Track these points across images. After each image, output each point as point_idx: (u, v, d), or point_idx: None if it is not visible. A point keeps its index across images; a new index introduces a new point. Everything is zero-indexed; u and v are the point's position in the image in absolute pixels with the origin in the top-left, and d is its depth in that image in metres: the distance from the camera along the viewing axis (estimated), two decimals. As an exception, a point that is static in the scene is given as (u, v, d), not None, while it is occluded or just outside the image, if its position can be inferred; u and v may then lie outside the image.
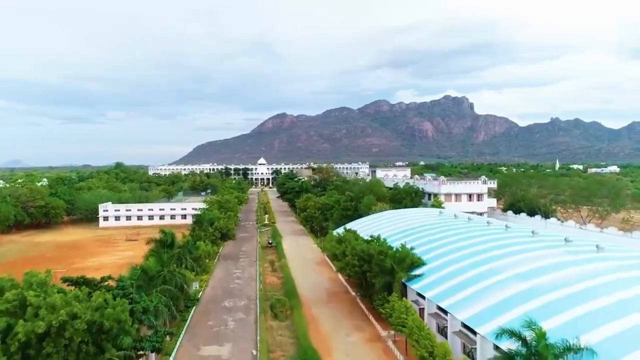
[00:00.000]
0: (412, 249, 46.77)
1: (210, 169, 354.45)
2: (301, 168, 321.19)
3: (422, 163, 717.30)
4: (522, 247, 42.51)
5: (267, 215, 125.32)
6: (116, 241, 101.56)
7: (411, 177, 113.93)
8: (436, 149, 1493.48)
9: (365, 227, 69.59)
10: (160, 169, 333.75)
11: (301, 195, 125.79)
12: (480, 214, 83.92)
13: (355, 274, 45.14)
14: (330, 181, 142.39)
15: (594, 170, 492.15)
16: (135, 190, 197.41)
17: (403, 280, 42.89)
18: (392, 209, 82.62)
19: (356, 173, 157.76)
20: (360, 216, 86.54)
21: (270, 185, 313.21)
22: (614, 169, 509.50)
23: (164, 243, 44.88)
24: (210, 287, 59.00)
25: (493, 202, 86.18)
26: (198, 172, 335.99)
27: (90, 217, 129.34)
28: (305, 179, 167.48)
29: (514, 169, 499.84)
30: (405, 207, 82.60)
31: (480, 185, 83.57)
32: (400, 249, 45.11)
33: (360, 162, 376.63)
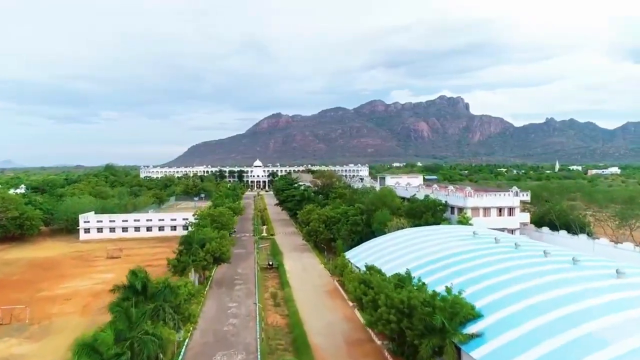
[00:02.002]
0: (459, 293, 35.92)
1: (204, 171, 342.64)
2: (299, 171, 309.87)
3: (419, 164, 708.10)
4: (615, 298, 31.70)
5: (265, 227, 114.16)
6: (96, 259, 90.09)
7: (425, 185, 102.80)
8: (432, 149, 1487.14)
9: (382, 251, 58.70)
10: (152, 172, 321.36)
11: (302, 204, 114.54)
12: (512, 230, 73.25)
13: (391, 331, 34.11)
14: (333, 187, 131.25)
15: (594, 171, 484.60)
16: (123, 195, 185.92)
17: (455, 341, 31.97)
18: (410, 226, 71.78)
19: (361, 179, 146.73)
20: (373, 233, 75.69)
21: (267, 188, 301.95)
22: (615, 170, 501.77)
23: (135, 289, 33.73)
24: (199, 330, 47.72)
25: (526, 216, 75.58)
26: (191, 174, 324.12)
27: (71, 228, 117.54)
28: (307, 184, 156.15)
29: (515, 171, 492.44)
30: (427, 223, 71.77)
31: (512, 198, 72.86)
32: (447, 296, 34.22)
33: (360, 165, 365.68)
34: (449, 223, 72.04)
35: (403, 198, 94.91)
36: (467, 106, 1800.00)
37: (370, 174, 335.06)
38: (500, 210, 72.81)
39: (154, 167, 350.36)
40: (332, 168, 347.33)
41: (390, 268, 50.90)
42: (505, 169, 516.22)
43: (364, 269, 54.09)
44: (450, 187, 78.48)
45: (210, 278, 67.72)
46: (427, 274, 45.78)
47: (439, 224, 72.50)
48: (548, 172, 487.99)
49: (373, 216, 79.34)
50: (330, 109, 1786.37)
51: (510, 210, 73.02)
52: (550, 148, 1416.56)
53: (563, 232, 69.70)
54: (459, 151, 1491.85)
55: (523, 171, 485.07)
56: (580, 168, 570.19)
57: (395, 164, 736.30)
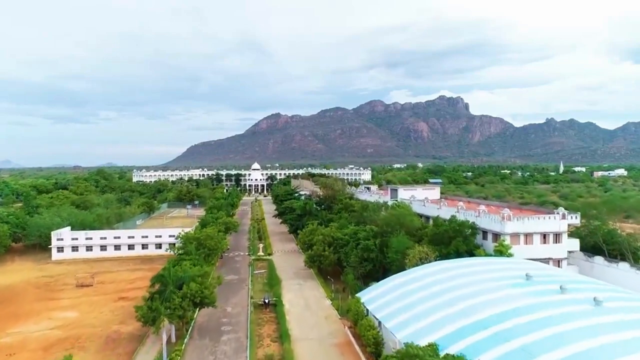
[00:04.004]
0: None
1: (200, 174, 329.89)
2: (299, 175, 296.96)
3: (420, 165, 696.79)
4: None
5: (262, 245, 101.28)
6: (63, 287, 77.17)
7: (445, 198, 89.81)
8: (431, 150, 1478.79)
9: (408, 298, 45.83)
10: (145, 176, 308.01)
11: (303, 220, 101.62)
12: (559, 261, 60.57)
13: None
14: (337, 198, 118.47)
15: (600, 173, 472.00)
16: (111, 203, 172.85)
17: None
18: (437, 256, 59.10)
19: (367, 188, 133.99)
20: (391, 265, 63.10)
21: (265, 192, 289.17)
22: (622, 172, 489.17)
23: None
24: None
25: (575, 243, 62.92)
26: (187, 178, 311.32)
27: (44, 244, 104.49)
28: (307, 193, 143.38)
29: (519, 173, 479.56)
30: (457, 253, 58.99)
31: (558, 221, 60.16)
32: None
33: (361, 168, 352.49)
34: (484, 252, 59.29)
35: (420, 215, 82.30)
36: (466, 106, 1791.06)
37: (372, 177, 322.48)
38: (544, 236, 60.18)
39: (147, 170, 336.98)
40: (333, 171, 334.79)
41: (423, 329, 38.33)
42: (509, 171, 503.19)
43: (388, 328, 41.43)
44: (482, 207, 65.67)
45: (192, 323, 54.84)
46: (479, 346, 33.13)
47: (471, 253, 59.82)
48: (552, 173, 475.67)
49: (389, 241, 66.70)
50: (329, 109, 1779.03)
51: (557, 237, 60.36)
52: (551, 148, 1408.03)
53: (624, 265, 56.91)
54: (459, 151, 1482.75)
55: (528, 173, 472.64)
56: (584, 169, 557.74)
57: (396, 165, 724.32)
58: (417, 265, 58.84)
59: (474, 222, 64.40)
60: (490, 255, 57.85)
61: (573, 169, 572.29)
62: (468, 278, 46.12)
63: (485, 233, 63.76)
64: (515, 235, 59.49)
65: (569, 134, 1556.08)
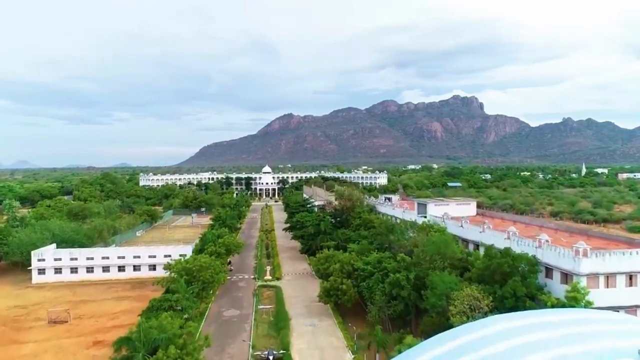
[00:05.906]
0: None
1: (209, 177, 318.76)
2: (311, 179, 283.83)
3: (435, 166, 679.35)
4: None
5: (269, 267, 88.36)
6: (33, 325, 64.91)
7: (484, 217, 75.27)
8: (445, 150, 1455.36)
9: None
10: (152, 179, 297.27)
11: (317, 239, 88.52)
12: (650, 309, 46.65)
13: None
14: (355, 211, 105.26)
15: (625, 175, 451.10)
16: (113, 211, 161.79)
17: None
18: (490, 302, 45.64)
19: (389, 199, 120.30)
20: (429, 309, 49.81)
21: (276, 197, 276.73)
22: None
23: None
24: None
25: (670, 286, 49.18)
26: (195, 182, 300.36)
27: (28, 263, 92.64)
28: (322, 204, 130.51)
29: (541, 175, 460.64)
30: (514, 296, 45.36)
31: (648, 258, 46.39)
32: None
33: (377, 172, 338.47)
34: (556, 300, 45.46)
35: (456, 238, 68.71)
36: (481, 106, 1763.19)
37: (388, 180, 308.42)
38: (630, 277, 46.46)
39: (155, 174, 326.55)
40: (347, 175, 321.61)
41: None
42: (529, 173, 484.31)
43: None
44: (544, 236, 51.91)
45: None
46: None
47: (533, 297, 46.26)
48: (574, 175, 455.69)
49: (425, 276, 53.37)
50: (341, 109, 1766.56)
51: (647, 277, 46.66)
52: (568, 149, 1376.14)
53: None
54: (473, 152, 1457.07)
55: (549, 175, 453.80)
56: (606, 171, 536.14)
57: (410, 166, 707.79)
58: (464, 312, 45.61)
59: (534, 255, 50.77)
60: (564, 305, 44.12)
61: (595, 170, 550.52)
62: (555, 351, 32.48)
63: (548, 270, 49.99)
64: (593, 277, 45.68)
65: (586, 134, 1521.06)
